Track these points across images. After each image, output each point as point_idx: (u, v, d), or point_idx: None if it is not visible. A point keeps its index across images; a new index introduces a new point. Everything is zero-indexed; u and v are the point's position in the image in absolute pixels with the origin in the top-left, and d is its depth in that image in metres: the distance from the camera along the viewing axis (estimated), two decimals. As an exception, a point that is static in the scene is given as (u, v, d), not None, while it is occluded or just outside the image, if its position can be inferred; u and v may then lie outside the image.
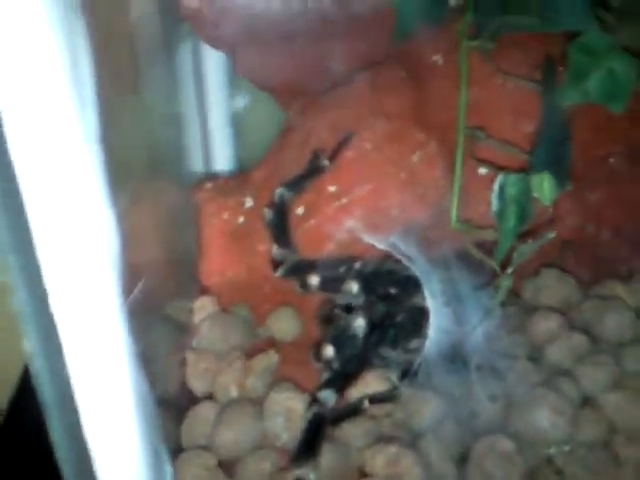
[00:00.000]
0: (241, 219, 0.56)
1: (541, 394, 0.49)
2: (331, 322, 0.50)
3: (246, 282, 0.56)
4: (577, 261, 0.59)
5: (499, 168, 0.51)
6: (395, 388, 0.48)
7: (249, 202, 0.56)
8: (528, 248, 0.47)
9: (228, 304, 0.57)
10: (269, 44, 0.57)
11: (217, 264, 0.56)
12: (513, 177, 0.48)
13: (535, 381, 0.50)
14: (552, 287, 0.57)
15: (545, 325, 0.54)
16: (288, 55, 0.57)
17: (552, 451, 0.49)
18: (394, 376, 0.49)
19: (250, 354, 0.52)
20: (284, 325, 0.55)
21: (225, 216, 0.56)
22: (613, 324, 0.54)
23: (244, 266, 0.55)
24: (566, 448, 0.48)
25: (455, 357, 0.49)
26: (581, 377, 0.51)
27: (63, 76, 0.30)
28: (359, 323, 0.47)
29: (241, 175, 0.59)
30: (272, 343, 0.54)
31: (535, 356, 0.53)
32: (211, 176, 0.63)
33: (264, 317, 0.56)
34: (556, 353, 0.53)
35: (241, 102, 0.66)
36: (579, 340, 0.53)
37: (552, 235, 0.46)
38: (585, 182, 0.57)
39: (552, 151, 0.49)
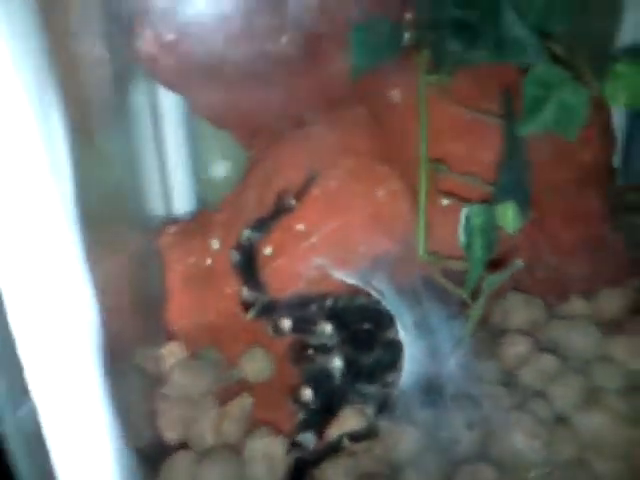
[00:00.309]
0: (208, 262, 0.55)
1: (516, 419, 0.50)
2: (304, 363, 0.50)
3: (215, 325, 0.55)
4: (538, 283, 0.61)
5: (463, 199, 0.52)
6: (374, 423, 0.48)
7: (215, 244, 0.55)
8: (497, 278, 0.48)
9: (197, 348, 0.56)
10: (227, 84, 0.57)
11: (184, 309, 0.56)
12: (478, 208, 0.49)
13: (510, 406, 0.51)
14: (519, 310, 0.58)
15: (514, 350, 0.55)
16: (247, 94, 0.57)
17: (532, 475, 0.49)
18: (372, 411, 0.49)
19: (223, 398, 0.52)
20: (256, 366, 0.54)
21: (191, 260, 0.55)
22: (580, 342, 0.55)
23: (212, 309, 0.55)
24: (545, 470, 0.49)
25: (431, 388, 0.50)
26: (554, 398, 0.52)
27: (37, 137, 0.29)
28: (336, 364, 0.47)
29: (204, 216, 0.59)
30: (244, 386, 0.53)
31: (508, 380, 0.53)
32: (173, 219, 0.63)
33: (234, 359, 0.55)
34: (528, 376, 0.53)
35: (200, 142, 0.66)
36: (548, 361, 0.54)
37: (520, 264, 0.47)
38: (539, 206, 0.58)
39: (514, 181, 0.50)
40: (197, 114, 0.62)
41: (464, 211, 0.48)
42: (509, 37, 0.52)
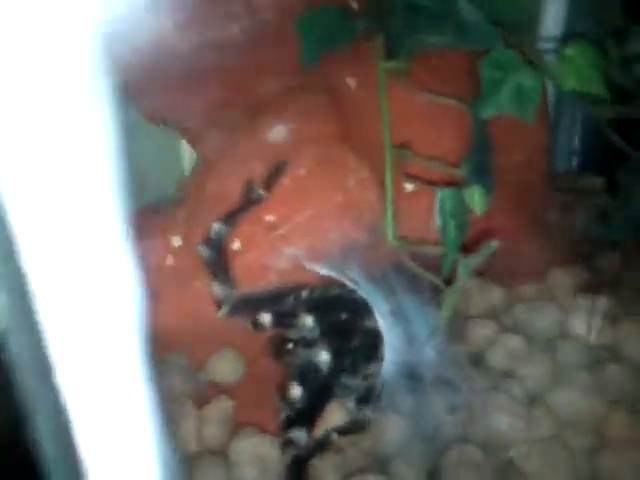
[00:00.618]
0: (170, 260, 0.52)
1: (494, 400, 0.50)
2: (285, 357, 0.48)
3: (180, 327, 0.52)
4: (494, 266, 0.62)
5: (429, 183, 0.52)
6: (361, 416, 0.47)
7: (177, 241, 0.52)
8: (472, 260, 0.48)
9: (161, 353, 0.53)
10: (172, 81, 0.54)
11: (145, 312, 0.52)
12: (448, 192, 0.49)
13: (486, 387, 0.52)
14: (479, 294, 0.59)
15: (481, 333, 0.56)
16: (195, 92, 0.55)
17: (512, 453, 0.50)
18: (357, 403, 0.48)
19: (199, 403, 0.49)
20: (227, 367, 0.52)
21: (152, 259, 0.52)
22: (541, 322, 0.57)
23: (177, 310, 0.52)
24: (524, 448, 0.50)
25: (411, 376, 0.49)
26: (525, 378, 0.53)
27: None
28: (323, 358, 0.46)
29: (159, 213, 0.56)
30: (218, 388, 0.51)
31: (479, 363, 0.54)
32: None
33: (202, 361, 0.53)
34: (496, 358, 0.54)
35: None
36: (515, 342, 0.55)
37: (494, 245, 0.48)
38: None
39: (479, 164, 0.51)
40: (140, 113, 0.59)
41: (439, 195, 0.49)
42: (464, 23, 0.52)
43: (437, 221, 0.48)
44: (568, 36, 0.68)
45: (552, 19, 0.74)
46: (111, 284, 0.27)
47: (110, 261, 0.27)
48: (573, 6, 0.74)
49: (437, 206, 0.49)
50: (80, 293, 0.27)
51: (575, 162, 0.78)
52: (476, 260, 0.49)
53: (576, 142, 0.77)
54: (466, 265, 0.49)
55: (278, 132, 0.50)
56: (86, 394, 0.28)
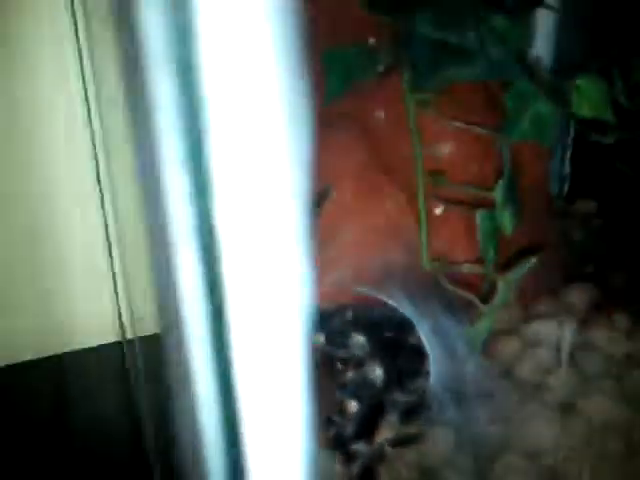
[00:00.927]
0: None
1: (529, 409, 0.53)
2: (335, 376, 0.50)
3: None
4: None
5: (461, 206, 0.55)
6: (415, 428, 0.49)
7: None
8: (512, 277, 0.51)
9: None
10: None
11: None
12: (486, 213, 0.52)
13: (520, 398, 0.54)
14: (501, 311, 0.62)
15: (508, 348, 0.58)
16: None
17: (551, 459, 0.52)
18: (407, 416, 0.50)
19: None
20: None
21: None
22: (562, 335, 0.60)
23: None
24: (561, 453, 0.53)
25: (454, 389, 0.52)
26: (556, 388, 0.56)
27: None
28: (377, 374, 0.48)
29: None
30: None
31: (510, 376, 0.57)
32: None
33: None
34: (525, 370, 0.57)
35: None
36: (543, 355, 0.58)
37: (533, 262, 0.51)
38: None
39: (510, 188, 0.54)
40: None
41: (478, 216, 0.52)
42: (491, 59, 0.56)
43: (480, 242, 0.51)
44: (562, 68, 0.73)
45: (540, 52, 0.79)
46: (286, 287, 0.28)
47: (287, 261, 0.27)
48: (559, 41, 0.78)
49: (478, 227, 0.52)
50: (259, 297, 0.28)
51: (566, 186, 0.82)
52: (516, 277, 0.52)
53: (567, 167, 0.81)
54: (506, 282, 0.52)
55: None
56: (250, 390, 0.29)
